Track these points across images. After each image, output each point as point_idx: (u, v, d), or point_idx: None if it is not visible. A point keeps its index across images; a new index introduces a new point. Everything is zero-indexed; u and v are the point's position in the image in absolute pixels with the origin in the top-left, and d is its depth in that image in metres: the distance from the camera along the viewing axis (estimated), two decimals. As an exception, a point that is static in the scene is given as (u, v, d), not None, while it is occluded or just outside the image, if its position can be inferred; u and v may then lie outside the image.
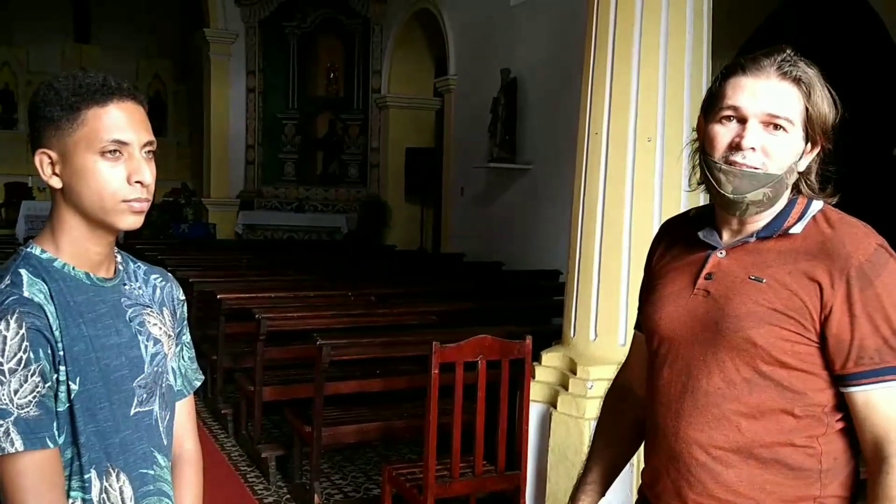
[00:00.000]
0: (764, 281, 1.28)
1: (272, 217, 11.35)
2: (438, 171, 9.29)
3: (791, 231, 1.31)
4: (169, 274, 1.44)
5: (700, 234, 1.37)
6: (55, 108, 1.20)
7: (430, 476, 2.93)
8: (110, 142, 1.20)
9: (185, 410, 1.44)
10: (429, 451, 2.91)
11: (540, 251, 6.53)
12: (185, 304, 1.45)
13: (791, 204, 1.33)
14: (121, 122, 1.21)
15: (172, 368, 1.39)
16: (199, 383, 1.47)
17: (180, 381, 1.42)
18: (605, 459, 1.61)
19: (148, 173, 1.23)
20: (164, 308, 1.38)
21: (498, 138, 7.26)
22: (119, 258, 1.34)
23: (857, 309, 1.23)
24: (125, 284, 1.32)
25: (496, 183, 7.69)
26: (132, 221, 1.23)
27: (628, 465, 3.20)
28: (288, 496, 3.92)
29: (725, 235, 1.37)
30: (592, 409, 3.11)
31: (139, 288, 1.35)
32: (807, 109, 1.28)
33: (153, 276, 1.40)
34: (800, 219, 1.31)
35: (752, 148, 1.26)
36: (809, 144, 1.30)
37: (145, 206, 1.24)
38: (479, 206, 8.16)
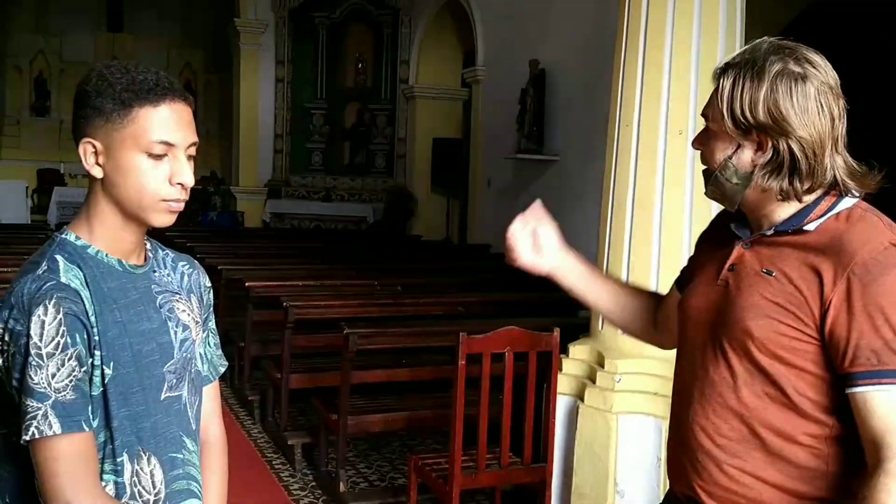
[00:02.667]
0: (773, 274, 1.28)
1: (299, 206, 11.40)
2: (465, 162, 9.27)
3: (805, 227, 1.29)
4: (196, 261, 1.46)
5: (732, 226, 1.38)
6: (107, 100, 1.21)
7: (456, 467, 2.94)
8: (158, 142, 1.21)
9: (210, 396, 1.46)
10: (455, 441, 2.92)
11: (567, 243, 6.49)
12: (212, 291, 1.47)
13: (818, 200, 1.30)
14: (171, 123, 1.22)
15: (200, 354, 1.41)
16: (223, 369, 1.49)
17: (206, 367, 1.44)
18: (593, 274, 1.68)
19: (190, 176, 1.25)
20: (192, 295, 1.40)
21: (526, 129, 7.22)
22: (148, 245, 1.36)
23: (857, 307, 1.20)
24: (155, 271, 1.34)
25: (523, 174, 7.66)
26: (166, 220, 1.26)
27: (656, 459, 3.19)
28: (313, 483, 3.96)
29: (753, 228, 1.37)
30: (620, 402, 3.10)
31: (168, 275, 1.37)
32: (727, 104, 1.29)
33: (181, 264, 1.42)
34: (824, 215, 1.29)
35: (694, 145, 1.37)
36: (750, 142, 1.28)
37: (181, 206, 1.26)
38: (505, 198, 8.13)
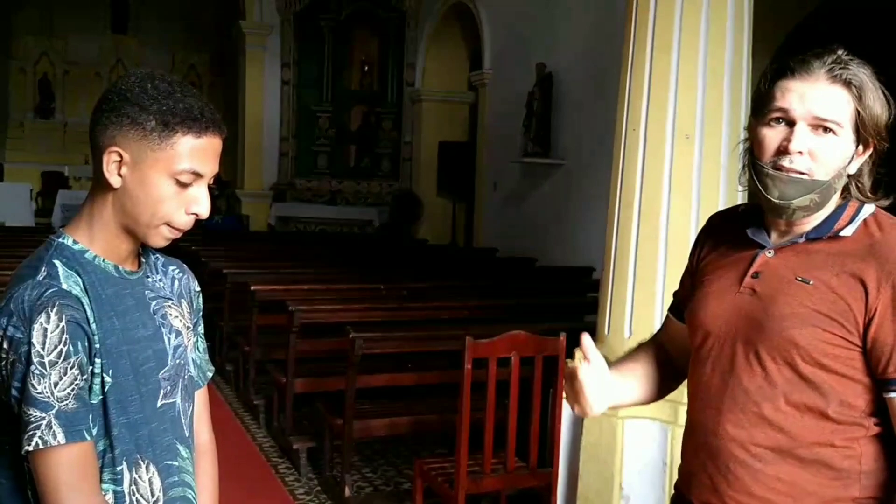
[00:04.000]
0: (811, 283, 1.27)
1: (305, 209, 11.40)
2: (471, 166, 9.27)
3: (841, 234, 1.29)
4: (184, 265, 1.46)
5: (748, 232, 1.37)
6: (149, 116, 1.18)
7: (462, 471, 2.93)
8: (189, 171, 1.21)
9: (200, 402, 1.45)
10: (461, 445, 2.91)
11: (573, 247, 6.49)
12: (201, 296, 1.46)
13: (843, 206, 1.31)
14: (205, 154, 1.22)
15: (191, 360, 1.40)
16: (211, 374, 1.48)
17: (196, 372, 1.43)
18: (629, 371, 1.58)
19: (207, 207, 1.24)
20: (183, 300, 1.39)
21: (532, 133, 7.22)
22: (140, 250, 1.34)
23: None
24: (148, 277, 1.34)
25: (530, 178, 7.65)
26: (162, 243, 1.26)
27: (662, 464, 3.18)
28: (318, 488, 3.95)
29: (774, 235, 1.35)
30: (626, 408, 3.08)
31: (160, 280, 1.36)
32: (858, 112, 1.25)
33: (171, 268, 1.41)
34: (851, 221, 1.30)
35: (800, 152, 1.25)
36: (861, 147, 1.28)
37: (179, 234, 1.26)
38: (512, 202, 8.12)
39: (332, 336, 4.22)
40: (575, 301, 5.30)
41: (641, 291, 3.12)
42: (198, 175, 1.22)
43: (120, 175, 1.21)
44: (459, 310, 4.61)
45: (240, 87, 11.76)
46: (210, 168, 1.23)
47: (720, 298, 1.37)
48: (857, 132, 1.26)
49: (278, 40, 11.52)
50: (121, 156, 1.20)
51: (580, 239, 6.40)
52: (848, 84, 1.24)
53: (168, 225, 1.23)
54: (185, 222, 1.24)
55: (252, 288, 4.86)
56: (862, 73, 1.26)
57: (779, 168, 1.26)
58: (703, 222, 3.00)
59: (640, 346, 1.66)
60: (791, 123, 1.26)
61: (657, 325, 3.12)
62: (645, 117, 3.10)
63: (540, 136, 7.16)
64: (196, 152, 1.21)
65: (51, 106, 14.65)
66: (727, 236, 1.42)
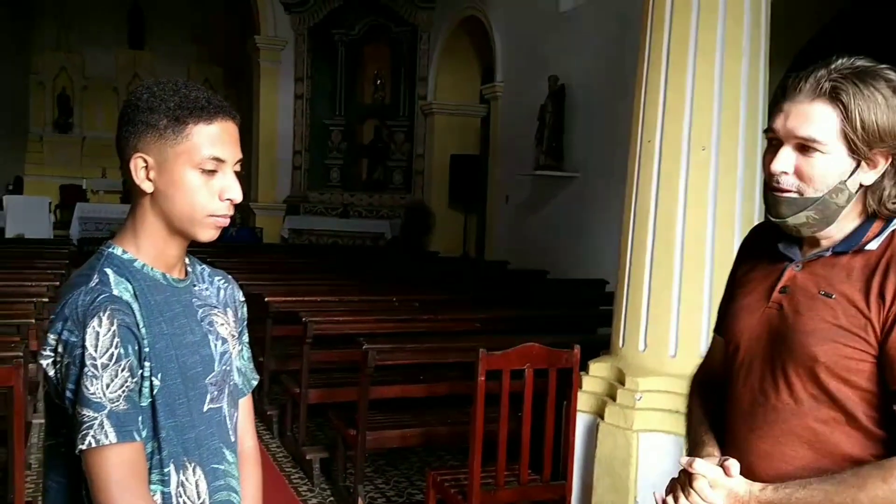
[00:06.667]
0: (833, 297, 1.26)
1: (317, 222, 11.46)
2: (483, 178, 9.28)
3: (867, 247, 1.27)
4: (230, 276, 1.49)
5: (780, 246, 1.35)
6: (160, 116, 1.23)
7: (475, 483, 2.91)
8: (210, 158, 1.24)
9: (245, 409, 1.47)
10: (474, 458, 2.89)
11: (586, 260, 6.47)
12: (245, 306, 1.49)
13: (871, 219, 1.29)
14: (222, 139, 1.25)
15: (236, 367, 1.42)
16: (255, 382, 1.51)
17: (241, 380, 1.45)
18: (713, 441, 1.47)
19: (239, 191, 1.27)
20: (228, 309, 1.42)
21: (545, 146, 7.22)
22: (187, 260, 1.38)
23: None
24: (195, 286, 1.37)
25: (542, 190, 7.65)
26: (211, 235, 1.29)
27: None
28: (332, 499, 3.94)
29: (805, 248, 1.33)
30: (641, 420, 3.06)
31: (206, 289, 1.40)
32: (844, 126, 1.21)
33: (217, 278, 1.45)
34: (879, 234, 1.27)
35: (784, 172, 1.25)
36: (872, 159, 1.24)
37: (227, 221, 1.29)
38: (524, 214, 8.12)
39: (344, 347, 4.22)
40: (587, 313, 5.28)
41: (657, 304, 3.11)
42: (219, 160, 1.25)
43: (150, 180, 1.25)
44: (471, 321, 4.60)
45: (254, 100, 11.85)
46: (230, 152, 1.26)
47: (751, 313, 1.37)
48: (851, 147, 1.22)
49: (292, 55, 11.62)
50: (146, 161, 1.24)
51: (592, 251, 6.39)
52: (834, 98, 1.21)
53: (211, 216, 1.26)
54: (224, 209, 1.27)
55: (266, 299, 4.87)
56: (858, 84, 1.21)
57: (771, 188, 1.27)
58: (719, 234, 3.04)
59: (699, 403, 1.55)
60: (781, 143, 1.26)
61: (672, 338, 3.13)
62: (660, 129, 3.10)
63: (552, 148, 7.17)
64: (212, 138, 1.24)
65: (69, 120, 14.83)
66: (763, 249, 1.40)
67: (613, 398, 3.16)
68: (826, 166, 1.23)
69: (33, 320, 4.04)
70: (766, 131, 1.29)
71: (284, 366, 4.88)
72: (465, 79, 10.55)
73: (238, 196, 1.27)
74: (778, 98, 1.28)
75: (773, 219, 1.28)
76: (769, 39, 3.19)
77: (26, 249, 7.74)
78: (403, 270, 7.29)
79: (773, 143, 1.28)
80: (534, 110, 7.41)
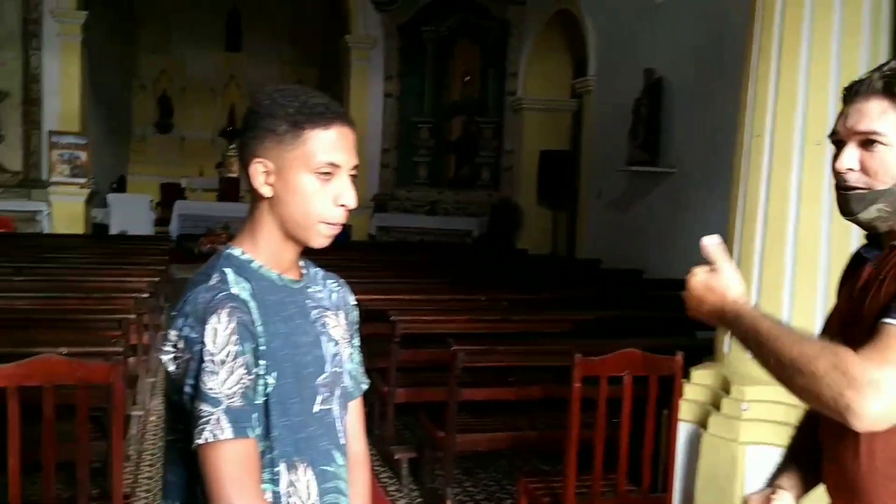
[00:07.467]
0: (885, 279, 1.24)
1: (405, 220, 11.51)
2: (573, 175, 9.11)
3: None
4: (342, 279, 1.50)
5: (861, 250, 1.37)
6: (281, 122, 1.25)
7: (570, 492, 2.80)
8: (326, 163, 1.26)
9: (354, 412, 1.47)
10: (569, 466, 2.79)
11: (682, 259, 6.17)
12: (357, 309, 1.50)
13: None
14: (337, 145, 1.27)
15: (347, 370, 1.42)
16: (366, 387, 1.50)
17: (351, 383, 1.45)
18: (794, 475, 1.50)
19: (353, 198, 1.29)
20: (340, 311, 1.44)
21: (639, 140, 7.01)
22: (301, 262, 1.39)
23: None
24: (309, 287, 1.38)
25: (636, 187, 7.43)
26: (323, 242, 1.30)
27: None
28: (420, 500, 3.90)
29: (884, 247, 1.32)
30: (748, 432, 2.89)
31: (320, 291, 1.41)
32: None
33: (329, 281, 1.46)
34: None
35: (850, 168, 1.28)
36: None
37: (338, 229, 1.30)
38: (616, 211, 7.91)
39: (431, 346, 4.17)
40: (684, 316, 5.05)
41: (765, 307, 2.90)
42: (335, 166, 1.26)
43: (269, 185, 1.27)
44: (563, 322, 4.47)
45: (345, 99, 12.00)
46: (346, 157, 1.28)
47: (836, 320, 1.38)
48: None
49: (382, 53, 11.71)
50: (266, 166, 1.27)
51: (689, 250, 6.10)
52: (888, 92, 1.24)
53: (323, 223, 1.28)
54: (338, 215, 1.28)
55: (356, 298, 4.88)
56: None
57: (840, 187, 1.30)
58: (834, 234, 2.82)
59: (806, 416, 1.56)
60: (844, 144, 1.29)
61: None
62: (771, 123, 2.91)
63: (647, 143, 6.94)
64: (328, 144, 1.26)
65: (169, 121, 15.46)
66: (853, 268, 1.41)
67: (718, 408, 2.99)
68: (890, 157, 1.25)
69: (133, 315, 4.15)
70: (829, 136, 1.32)
71: (372, 364, 4.88)
72: (556, 74, 10.38)
73: (352, 202, 1.28)
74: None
75: (845, 217, 1.30)
76: (892, 23, 2.95)
77: (129, 246, 8.06)
78: (491, 269, 7.21)
79: (838, 146, 1.31)
80: (627, 104, 7.20)
